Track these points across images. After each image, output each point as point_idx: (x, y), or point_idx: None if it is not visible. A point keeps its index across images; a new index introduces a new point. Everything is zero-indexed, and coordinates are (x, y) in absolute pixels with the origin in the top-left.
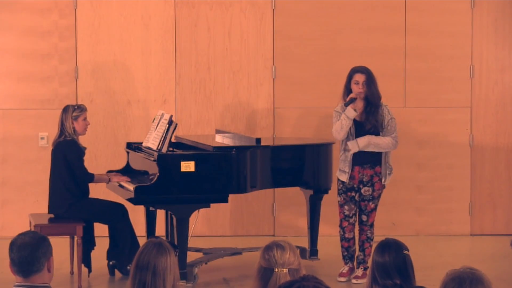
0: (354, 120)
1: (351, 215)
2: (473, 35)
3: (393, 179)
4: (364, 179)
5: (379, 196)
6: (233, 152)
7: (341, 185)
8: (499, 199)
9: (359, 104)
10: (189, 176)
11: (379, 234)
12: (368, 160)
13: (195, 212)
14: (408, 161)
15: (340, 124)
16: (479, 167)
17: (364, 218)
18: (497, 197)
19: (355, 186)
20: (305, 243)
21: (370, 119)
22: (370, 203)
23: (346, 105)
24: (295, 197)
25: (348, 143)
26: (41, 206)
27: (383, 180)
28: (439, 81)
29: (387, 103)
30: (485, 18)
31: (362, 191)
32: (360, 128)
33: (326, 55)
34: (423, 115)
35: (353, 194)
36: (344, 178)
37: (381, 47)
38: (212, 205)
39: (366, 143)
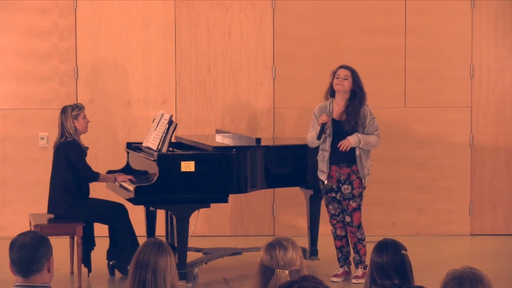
0: (334, 120)
1: (337, 213)
2: (473, 35)
3: (393, 179)
4: (341, 178)
5: (360, 195)
6: (233, 152)
7: (322, 186)
8: (499, 199)
9: (340, 102)
10: (189, 176)
11: (379, 234)
12: (344, 159)
13: (195, 212)
14: (408, 161)
15: (312, 138)
16: (479, 167)
17: (348, 219)
18: (497, 197)
19: (334, 186)
20: (305, 243)
21: (350, 120)
22: (351, 201)
23: (318, 137)
24: (295, 197)
25: (350, 138)
26: (41, 206)
27: (363, 182)
28: (439, 81)
29: (387, 103)
30: (485, 18)
31: (342, 189)
32: (338, 129)
33: (326, 55)
34: (423, 115)
35: (333, 194)
36: (323, 177)
37: (381, 47)
38: (212, 205)
39: (365, 140)
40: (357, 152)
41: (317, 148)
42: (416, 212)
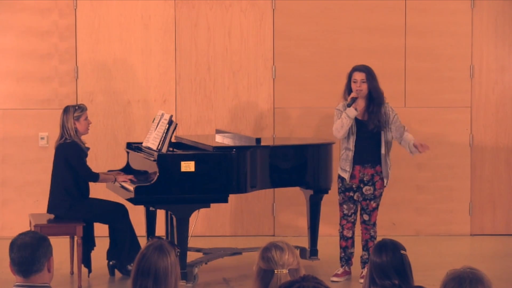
0: (356, 119)
1: (350, 214)
2: (473, 35)
3: (393, 179)
4: (364, 178)
5: (381, 195)
6: (233, 152)
7: (341, 184)
8: (499, 199)
9: (361, 103)
10: (189, 176)
11: (379, 234)
12: (369, 160)
13: (195, 212)
14: (408, 161)
15: (341, 123)
16: (479, 167)
17: (366, 217)
18: (497, 197)
19: (354, 186)
20: (305, 243)
21: (372, 119)
22: (372, 202)
23: (349, 105)
24: (295, 197)
25: (407, 140)
26: (41, 206)
27: (385, 182)
28: (439, 81)
29: (387, 103)
30: (485, 18)
31: (364, 190)
32: (362, 128)
33: (326, 55)
34: (423, 115)
35: (351, 194)
36: (346, 175)
37: (381, 47)
38: (212, 205)
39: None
40: (382, 151)
41: (318, 148)
42: (416, 212)
